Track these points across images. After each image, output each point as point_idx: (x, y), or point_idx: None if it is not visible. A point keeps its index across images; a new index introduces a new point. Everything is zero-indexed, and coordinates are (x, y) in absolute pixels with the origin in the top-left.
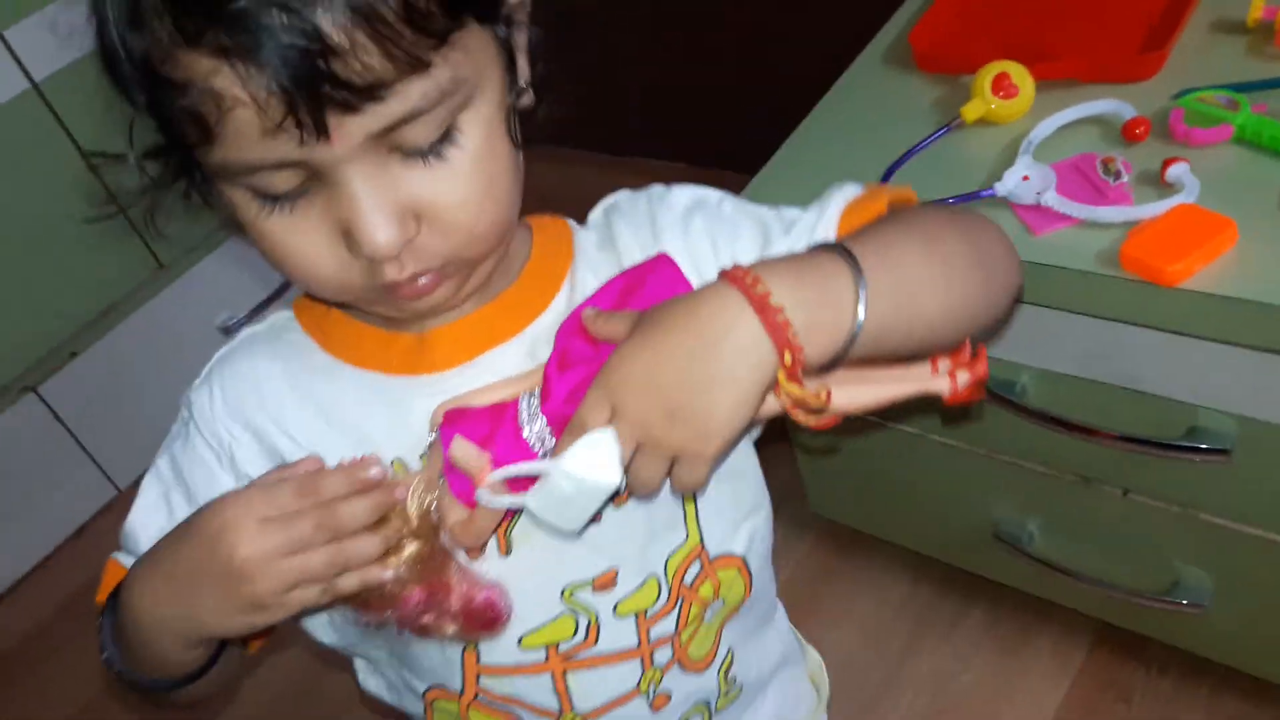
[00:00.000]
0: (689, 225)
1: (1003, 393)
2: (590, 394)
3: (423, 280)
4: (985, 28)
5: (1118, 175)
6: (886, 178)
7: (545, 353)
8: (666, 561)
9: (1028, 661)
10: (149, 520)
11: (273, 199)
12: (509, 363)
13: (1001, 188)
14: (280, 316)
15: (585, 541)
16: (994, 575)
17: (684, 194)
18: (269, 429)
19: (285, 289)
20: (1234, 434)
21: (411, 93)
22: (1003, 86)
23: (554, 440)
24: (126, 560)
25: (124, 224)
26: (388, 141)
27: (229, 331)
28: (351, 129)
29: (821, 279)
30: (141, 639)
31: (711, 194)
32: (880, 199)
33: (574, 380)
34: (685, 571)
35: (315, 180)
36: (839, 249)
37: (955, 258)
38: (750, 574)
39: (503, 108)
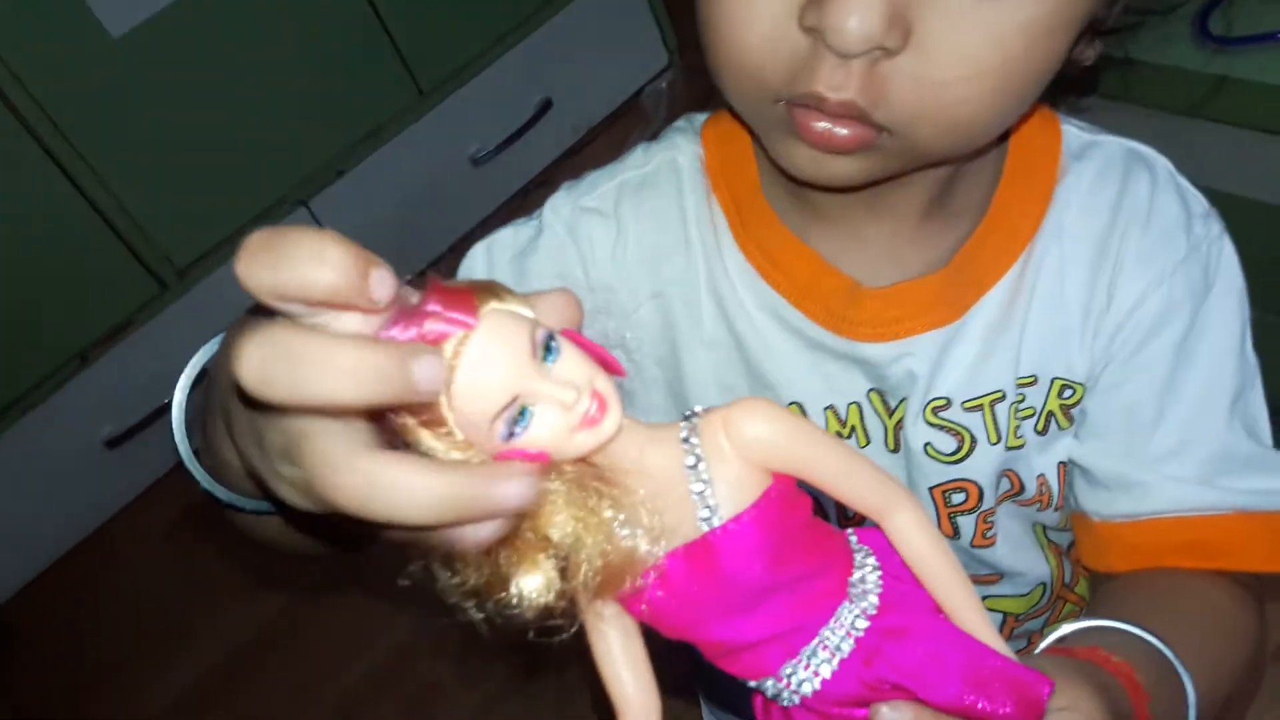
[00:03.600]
0: (1166, 324)
1: None
2: None
3: (842, 131)
4: None
5: None
6: (1211, 8)
7: (963, 346)
8: None
9: None
10: None
11: None
12: (928, 353)
13: None
14: (688, 153)
15: None
16: None
17: (1221, 267)
18: (674, 298)
19: (532, 124)
20: None
21: None
22: None
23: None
24: None
25: (391, 50)
26: None
27: (478, 163)
28: None
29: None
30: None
31: (1234, 304)
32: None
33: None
34: None
35: None
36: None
37: (1232, 684)
38: None
39: (1085, 7)
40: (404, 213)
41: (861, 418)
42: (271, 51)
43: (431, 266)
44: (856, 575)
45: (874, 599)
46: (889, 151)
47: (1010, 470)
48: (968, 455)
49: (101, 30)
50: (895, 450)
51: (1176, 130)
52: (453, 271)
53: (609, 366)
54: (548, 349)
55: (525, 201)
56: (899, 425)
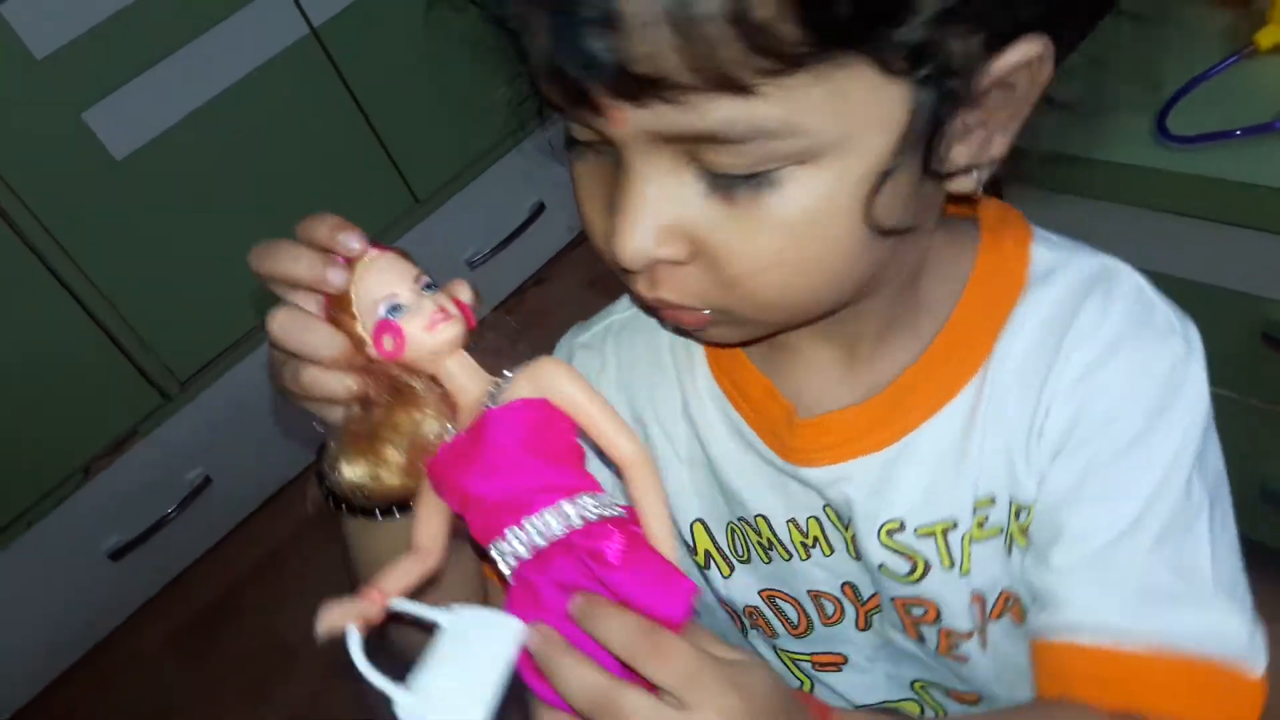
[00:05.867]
0: (1099, 436)
1: None
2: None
3: (683, 315)
4: None
5: None
6: (1168, 109)
7: (913, 470)
8: None
9: None
10: None
11: (575, 141)
12: (868, 477)
13: None
14: None
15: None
16: (1259, 538)
17: (1183, 391)
18: (650, 423)
19: (526, 227)
20: None
21: (713, 113)
22: None
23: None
24: None
25: (386, 161)
26: (687, 150)
27: (474, 266)
28: (628, 117)
29: None
30: None
31: (1190, 433)
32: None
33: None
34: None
35: (611, 146)
36: None
37: None
38: None
39: (869, 180)
40: None
41: (822, 529)
42: (271, 167)
43: None
44: (593, 496)
45: (599, 512)
46: (738, 322)
47: (979, 594)
48: (922, 577)
49: (105, 152)
50: (858, 559)
51: (1139, 223)
52: None
53: (468, 316)
54: (429, 286)
55: (522, 300)
56: (854, 539)
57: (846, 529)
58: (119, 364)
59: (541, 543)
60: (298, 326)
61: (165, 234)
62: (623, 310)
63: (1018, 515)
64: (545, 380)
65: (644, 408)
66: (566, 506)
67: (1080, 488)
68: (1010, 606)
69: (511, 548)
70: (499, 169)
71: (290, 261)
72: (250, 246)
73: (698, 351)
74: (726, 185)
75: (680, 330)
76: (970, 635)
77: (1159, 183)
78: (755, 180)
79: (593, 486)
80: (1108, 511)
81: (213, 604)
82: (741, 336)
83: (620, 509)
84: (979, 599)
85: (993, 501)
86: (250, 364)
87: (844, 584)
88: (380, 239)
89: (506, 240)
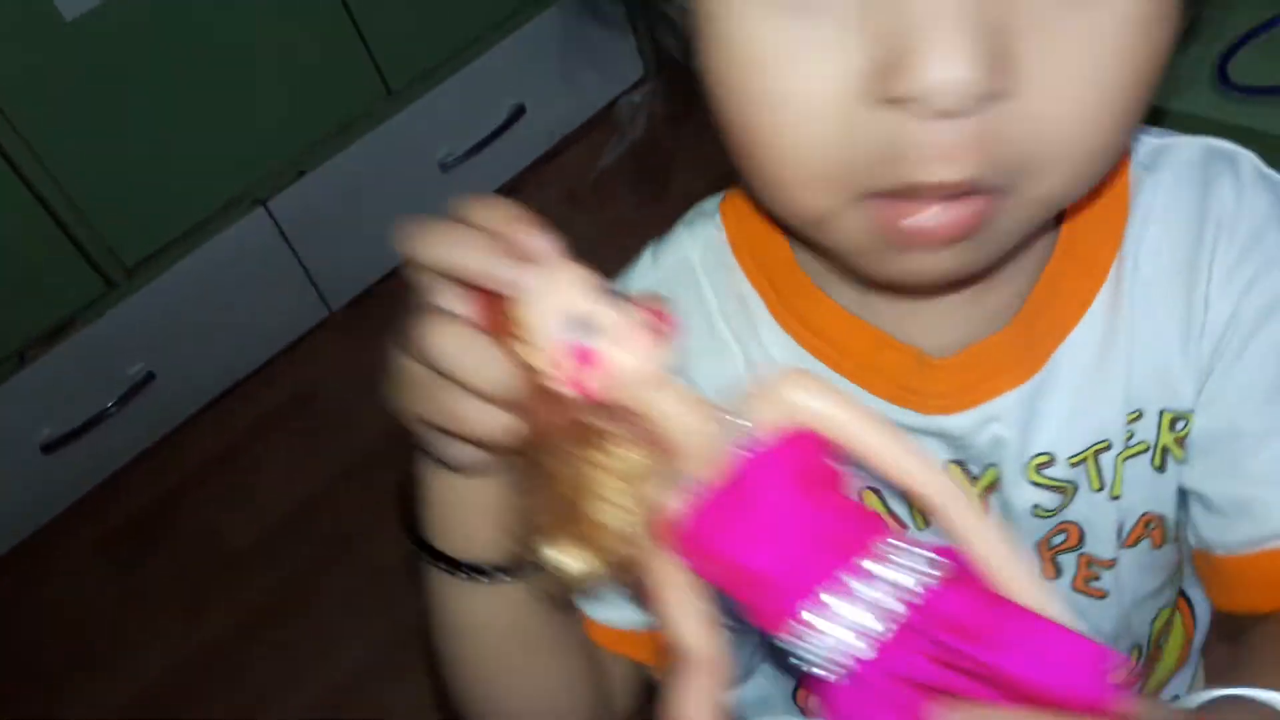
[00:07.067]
0: (1264, 324)
1: None
2: None
3: (962, 210)
4: None
5: None
6: (1225, 63)
7: (1057, 396)
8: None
9: None
10: None
11: None
12: (1014, 414)
13: None
14: (700, 243)
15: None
16: None
17: None
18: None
19: (503, 130)
20: None
21: None
22: None
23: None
24: None
25: (360, 46)
26: None
27: (446, 168)
28: None
29: None
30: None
31: None
32: None
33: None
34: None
35: None
36: None
37: None
38: None
39: None
40: (367, 216)
41: None
42: (234, 42)
43: (391, 274)
44: (894, 541)
45: (923, 568)
46: (1007, 220)
47: (1120, 520)
48: (1067, 505)
49: (54, 11)
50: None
51: None
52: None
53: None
54: (614, 295)
55: None
56: (989, 490)
57: (975, 482)
58: (61, 246)
59: (864, 622)
60: (463, 346)
61: (117, 105)
62: (643, 275)
63: (1172, 426)
64: (789, 400)
65: (702, 383)
66: (878, 568)
67: (1258, 384)
68: (1150, 530)
69: (820, 636)
70: (480, 64)
71: (464, 249)
72: (207, 126)
73: (757, 305)
74: None
75: (886, 269)
76: (1111, 564)
77: (1213, 133)
78: None
79: (886, 529)
80: None
81: (149, 508)
82: (990, 252)
83: (934, 554)
84: (1118, 525)
85: (1140, 415)
86: (204, 254)
87: None
88: (347, 131)
89: (482, 143)
